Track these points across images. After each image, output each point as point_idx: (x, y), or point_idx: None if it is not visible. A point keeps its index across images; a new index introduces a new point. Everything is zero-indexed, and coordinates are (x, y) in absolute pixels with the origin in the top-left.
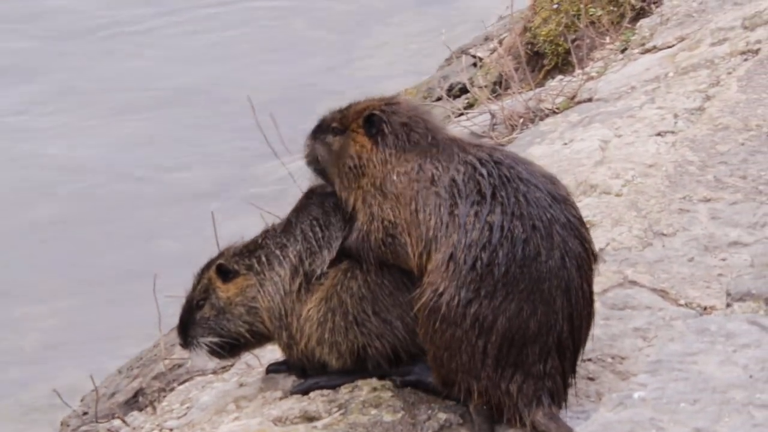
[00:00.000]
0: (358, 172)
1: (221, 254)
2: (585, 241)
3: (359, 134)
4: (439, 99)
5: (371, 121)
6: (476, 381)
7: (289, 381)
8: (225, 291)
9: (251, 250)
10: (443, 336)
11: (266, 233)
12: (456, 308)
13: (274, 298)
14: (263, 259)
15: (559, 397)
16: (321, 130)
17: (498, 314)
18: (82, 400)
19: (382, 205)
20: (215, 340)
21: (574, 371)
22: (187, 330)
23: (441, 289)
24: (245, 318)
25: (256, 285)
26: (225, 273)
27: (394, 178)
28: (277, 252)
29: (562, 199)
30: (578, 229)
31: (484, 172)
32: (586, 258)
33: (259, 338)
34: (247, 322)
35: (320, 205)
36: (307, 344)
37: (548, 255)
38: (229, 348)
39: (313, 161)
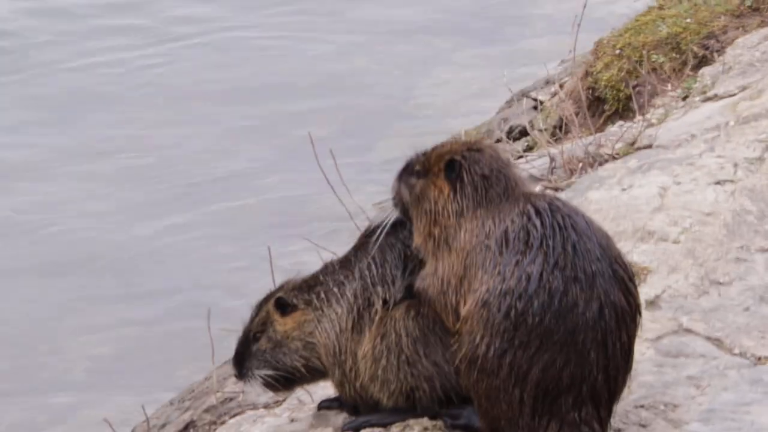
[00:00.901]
0: (432, 218)
1: (280, 288)
2: (630, 296)
3: (439, 179)
4: (498, 141)
5: (452, 166)
6: (517, 429)
7: (340, 418)
8: (282, 325)
9: (310, 285)
10: (482, 386)
11: (326, 270)
12: (492, 358)
13: (330, 335)
14: (322, 295)
15: None
16: (406, 171)
17: (532, 364)
18: (132, 431)
19: (447, 262)
20: (270, 373)
21: (610, 416)
22: (243, 361)
23: (477, 339)
24: (301, 353)
25: (314, 321)
26: (283, 307)
27: (462, 234)
28: (335, 289)
29: (612, 255)
30: (624, 283)
31: (537, 222)
32: (628, 311)
33: (314, 373)
34: (303, 357)
35: (379, 244)
36: (360, 381)
37: (586, 306)
38: (284, 381)
39: (398, 203)
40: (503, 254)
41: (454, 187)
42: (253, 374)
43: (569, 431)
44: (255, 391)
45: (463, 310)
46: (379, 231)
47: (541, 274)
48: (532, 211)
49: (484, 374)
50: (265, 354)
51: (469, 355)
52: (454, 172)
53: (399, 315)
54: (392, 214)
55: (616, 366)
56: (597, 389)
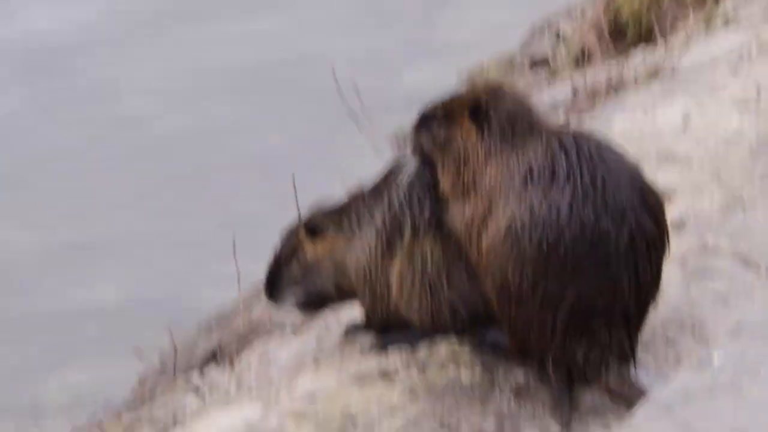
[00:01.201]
0: (461, 161)
1: (310, 213)
2: (660, 224)
3: (465, 123)
4: (521, 70)
5: (477, 110)
6: (548, 352)
7: (367, 339)
8: (313, 249)
9: (340, 211)
10: (514, 313)
11: (355, 196)
12: (525, 288)
13: (361, 259)
14: (352, 220)
15: (627, 361)
16: (426, 121)
17: (565, 292)
18: (160, 356)
19: (472, 202)
20: (301, 295)
21: (639, 335)
22: (273, 285)
23: (509, 271)
24: (332, 276)
25: (344, 245)
26: (314, 231)
27: (487, 174)
28: (366, 214)
29: (642, 185)
30: (655, 213)
31: (562, 156)
32: (658, 238)
33: (344, 295)
34: (334, 281)
35: (408, 171)
36: (390, 303)
37: (617, 236)
38: (315, 303)
39: (419, 152)
40: (528, 188)
41: (482, 129)
42: (284, 297)
43: (599, 351)
44: (285, 313)
45: (485, 240)
46: (404, 176)
47: (570, 206)
48: (556, 146)
49: (517, 303)
50: (295, 278)
51: (500, 286)
52: (480, 115)
53: (427, 242)
54: (413, 164)
55: (647, 289)
56: (628, 312)
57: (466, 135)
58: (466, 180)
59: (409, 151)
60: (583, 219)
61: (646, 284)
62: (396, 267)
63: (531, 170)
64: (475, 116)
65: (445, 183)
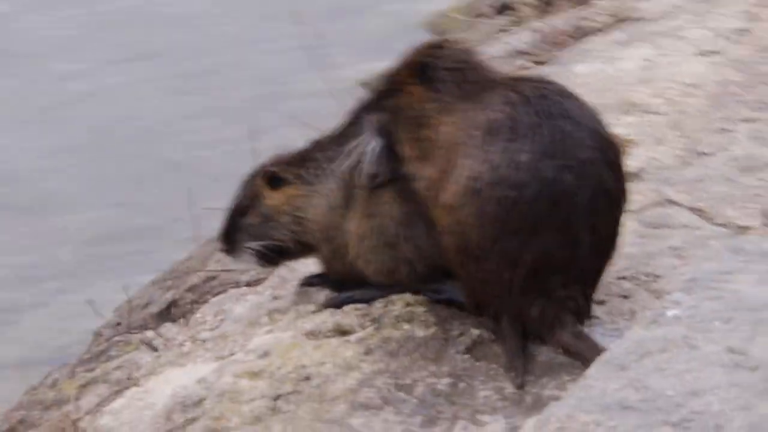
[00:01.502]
0: (418, 122)
1: (270, 162)
2: (620, 181)
3: (412, 86)
4: (483, 16)
5: (421, 69)
6: (505, 308)
7: (322, 295)
8: (272, 199)
9: (301, 160)
10: (472, 270)
11: (317, 145)
12: (483, 245)
13: (321, 211)
14: (313, 170)
15: (582, 317)
16: (374, 99)
17: (524, 250)
18: (115, 311)
19: (432, 160)
20: (260, 246)
21: (594, 291)
22: (231, 235)
23: (468, 228)
24: (291, 227)
25: (305, 196)
26: (274, 181)
27: (445, 130)
28: (327, 165)
29: (605, 141)
30: (616, 170)
31: (522, 110)
32: (619, 196)
33: (303, 248)
34: (293, 231)
35: (370, 154)
36: (348, 258)
37: (578, 193)
38: (272, 255)
39: (376, 130)
40: (489, 143)
41: (432, 88)
42: (242, 247)
43: (555, 306)
44: (242, 264)
45: (445, 197)
46: (367, 159)
47: (531, 163)
48: (516, 99)
49: (475, 260)
50: (253, 228)
51: (459, 243)
52: (425, 74)
53: (387, 196)
54: (375, 144)
55: (606, 247)
56: (585, 269)
57: (417, 98)
58: (424, 139)
59: (367, 133)
60: (543, 176)
61: (605, 242)
62: (354, 220)
63: (491, 125)
64: (422, 77)
65: (406, 150)
